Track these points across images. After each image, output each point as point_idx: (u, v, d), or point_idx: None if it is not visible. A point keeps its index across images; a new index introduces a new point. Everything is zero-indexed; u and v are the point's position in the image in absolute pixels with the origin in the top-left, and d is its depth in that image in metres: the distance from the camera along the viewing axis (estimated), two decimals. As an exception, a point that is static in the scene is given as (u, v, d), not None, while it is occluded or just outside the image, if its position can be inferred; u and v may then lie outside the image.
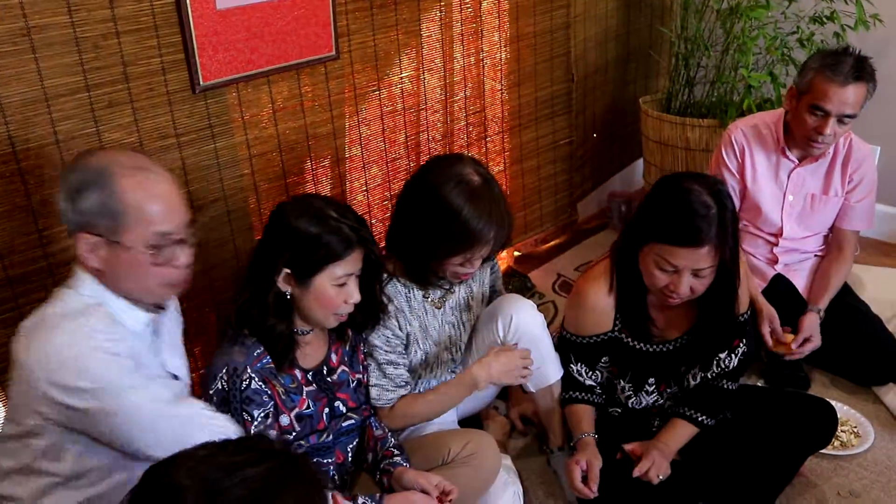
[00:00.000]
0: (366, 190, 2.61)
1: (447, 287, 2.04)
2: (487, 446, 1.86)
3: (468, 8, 2.72)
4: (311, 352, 1.74)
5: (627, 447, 1.94)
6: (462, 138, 2.90)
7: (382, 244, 1.97)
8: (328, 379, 1.76)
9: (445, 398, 1.99)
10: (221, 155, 2.12)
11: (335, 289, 1.62)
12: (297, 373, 1.71)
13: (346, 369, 1.81)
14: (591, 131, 3.52)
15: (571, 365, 2.04)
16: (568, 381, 2.08)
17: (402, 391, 1.94)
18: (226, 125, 2.11)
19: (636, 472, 1.90)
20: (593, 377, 2.03)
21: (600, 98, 3.56)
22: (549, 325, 2.70)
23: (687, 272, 1.76)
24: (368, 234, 1.66)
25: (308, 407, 1.71)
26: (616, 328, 1.98)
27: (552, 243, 3.51)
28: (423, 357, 2.03)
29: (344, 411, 1.79)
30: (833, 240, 2.61)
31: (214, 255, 2.18)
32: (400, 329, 1.94)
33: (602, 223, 3.71)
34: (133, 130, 1.91)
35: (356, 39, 2.36)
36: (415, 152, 2.74)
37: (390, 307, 1.90)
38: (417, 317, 1.99)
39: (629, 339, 1.99)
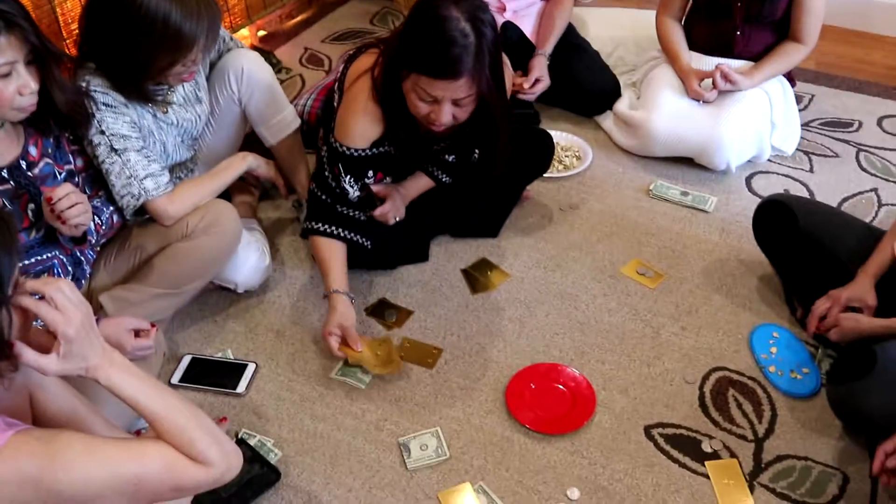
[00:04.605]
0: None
1: (167, 90, 1.92)
2: (225, 212, 1.87)
3: None
4: (2, 149, 1.62)
5: (374, 188, 2.04)
6: None
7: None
8: (28, 174, 1.67)
9: (220, 176, 1.95)
10: None
11: None
12: None
13: (50, 161, 1.71)
14: None
15: (341, 177, 1.91)
16: (316, 207, 1.96)
17: (168, 174, 1.87)
18: None
19: (376, 213, 2.03)
20: (358, 187, 1.95)
21: None
22: (293, 96, 2.72)
23: (447, 102, 1.71)
24: (19, 14, 1.47)
25: (4, 206, 1.62)
26: (385, 145, 1.91)
27: (298, 18, 3.40)
28: (163, 151, 1.96)
29: None
30: (554, -16, 2.72)
31: None
32: (136, 119, 1.84)
33: (349, -7, 3.62)
34: None
35: None
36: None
37: (109, 107, 1.77)
38: (146, 120, 1.88)
39: (398, 153, 1.95)
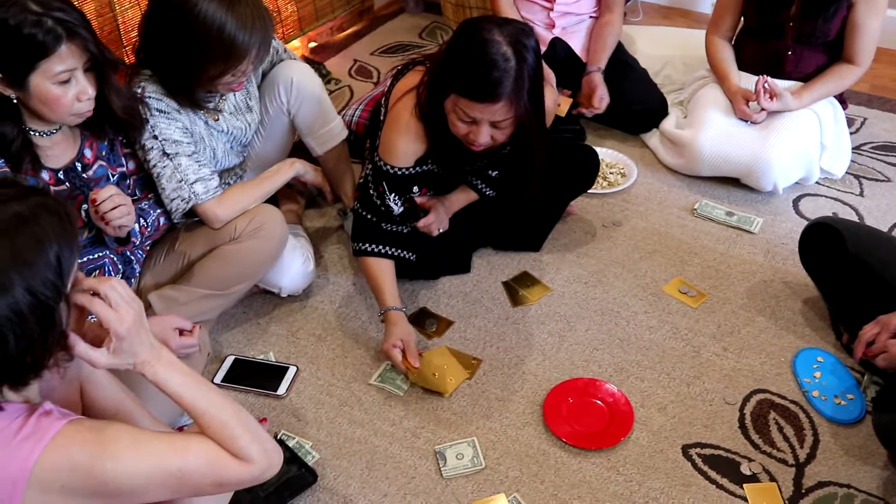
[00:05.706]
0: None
1: (219, 98, 1.97)
2: (272, 217, 1.91)
3: None
4: (59, 152, 1.68)
5: (418, 200, 2.06)
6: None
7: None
8: (83, 175, 1.72)
9: (268, 181, 2.00)
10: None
11: (59, 87, 1.53)
12: (45, 174, 1.65)
13: (104, 164, 1.77)
14: None
15: (386, 195, 1.93)
16: (362, 227, 1.99)
17: (218, 178, 1.92)
18: None
19: (420, 224, 2.05)
20: (402, 202, 1.99)
21: None
22: (342, 107, 2.76)
23: (485, 124, 1.73)
24: (80, 24, 1.53)
25: None
26: (429, 163, 1.95)
27: (349, 31, 3.46)
28: (213, 157, 2.00)
29: None
30: (604, 2, 2.73)
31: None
32: (188, 125, 1.89)
33: (399, 8, 3.67)
34: None
35: None
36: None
37: (162, 113, 1.82)
38: (198, 126, 1.93)
39: (441, 170, 1.98)
